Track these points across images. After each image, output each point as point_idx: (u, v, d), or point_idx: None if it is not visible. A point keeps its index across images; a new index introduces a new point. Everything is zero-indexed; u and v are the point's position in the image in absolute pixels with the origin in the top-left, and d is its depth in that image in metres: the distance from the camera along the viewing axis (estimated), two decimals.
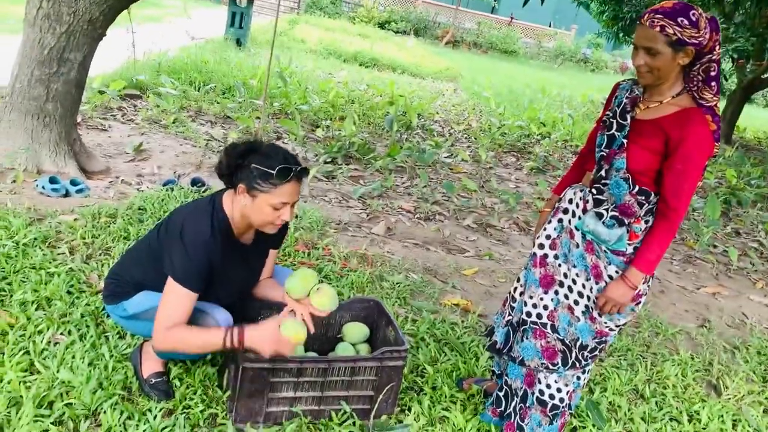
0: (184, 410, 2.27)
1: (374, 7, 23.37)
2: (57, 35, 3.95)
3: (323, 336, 2.67)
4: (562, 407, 2.31)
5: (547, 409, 2.30)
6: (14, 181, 3.95)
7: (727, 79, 13.11)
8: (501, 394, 2.43)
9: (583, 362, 2.25)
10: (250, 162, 2.10)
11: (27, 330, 2.50)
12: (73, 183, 4.04)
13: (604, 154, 2.12)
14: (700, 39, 1.92)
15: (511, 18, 25.97)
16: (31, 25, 3.96)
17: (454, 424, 2.48)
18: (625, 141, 2.08)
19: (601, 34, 13.71)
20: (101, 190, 4.21)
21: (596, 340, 2.23)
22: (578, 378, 2.33)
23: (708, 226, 5.67)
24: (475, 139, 8.24)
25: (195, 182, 4.44)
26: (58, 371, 2.29)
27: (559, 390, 2.29)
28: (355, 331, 2.65)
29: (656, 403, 2.95)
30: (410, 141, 7.39)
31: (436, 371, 2.81)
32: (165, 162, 5.08)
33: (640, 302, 2.19)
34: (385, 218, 4.79)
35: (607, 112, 2.19)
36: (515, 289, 2.41)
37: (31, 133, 4.15)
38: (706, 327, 3.91)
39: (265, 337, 2.11)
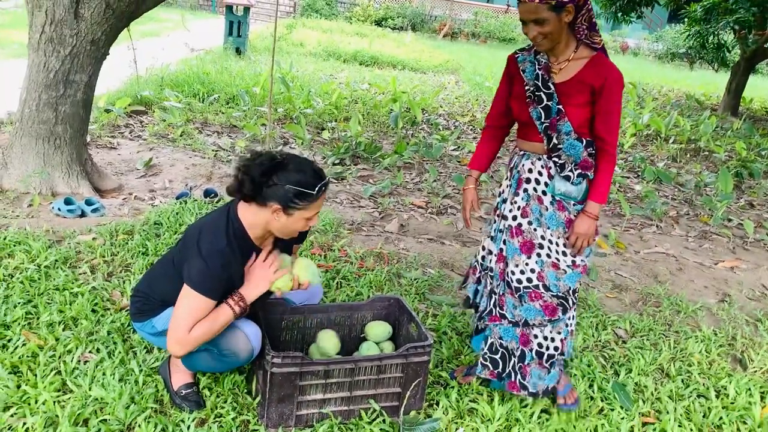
0: (216, 419, 2.30)
1: (370, 5, 23.36)
2: (61, 58, 4.00)
3: (347, 336, 2.70)
4: (557, 355, 2.49)
5: (544, 360, 2.48)
6: (31, 205, 4.00)
7: (729, 51, 12.99)
8: (497, 356, 2.51)
9: (574, 304, 2.49)
10: (281, 182, 2.10)
11: (56, 350, 2.54)
12: (88, 203, 4.09)
13: (548, 124, 2.35)
14: (571, 6, 2.19)
15: (508, 6, 25.89)
16: (35, 50, 4.01)
17: (482, 415, 2.50)
18: (560, 107, 2.32)
19: (599, 15, 13.63)
20: (116, 207, 4.26)
21: (579, 280, 2.48)
22: (567, 325, 2.51)
23: (721, 201, 5.65)
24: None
25: (207, 193, 4.48)
26: (90, 389, 2.33)
27: (553, 340, 2.48)
28: (378, 329, 2.67)
29: (682, 380, 2.96)
30: (416, 136, 7.40)
31: (460, 364, 2.83)
32: (176, 175, 5.13)
33: (598, 233, 2.48)
34: (397, 215, 4.80)
35: (528, 87, 2.37)
36: (483, 257, 2.61)
37: (43, 156, 4.20)
38: (726, 301, 3.90)
39: (253, 280, 2.22)
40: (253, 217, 2.19)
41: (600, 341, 3.22)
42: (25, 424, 2.14)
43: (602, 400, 2.70)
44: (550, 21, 2.19)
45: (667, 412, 2.67)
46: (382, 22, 23.00)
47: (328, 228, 4.19)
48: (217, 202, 4.32)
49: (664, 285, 4.01)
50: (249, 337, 2.22)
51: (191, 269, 2.11)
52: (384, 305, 2.75)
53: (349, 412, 2.36)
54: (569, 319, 2.51)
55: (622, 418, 2.58)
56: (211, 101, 7.65)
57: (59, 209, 3.93)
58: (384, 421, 2.37)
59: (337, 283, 3.47)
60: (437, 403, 2.54)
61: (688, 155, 8.08)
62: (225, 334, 2.19)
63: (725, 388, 2.91)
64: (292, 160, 2.16)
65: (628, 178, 6.78)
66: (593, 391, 2.75)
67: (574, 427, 2.46)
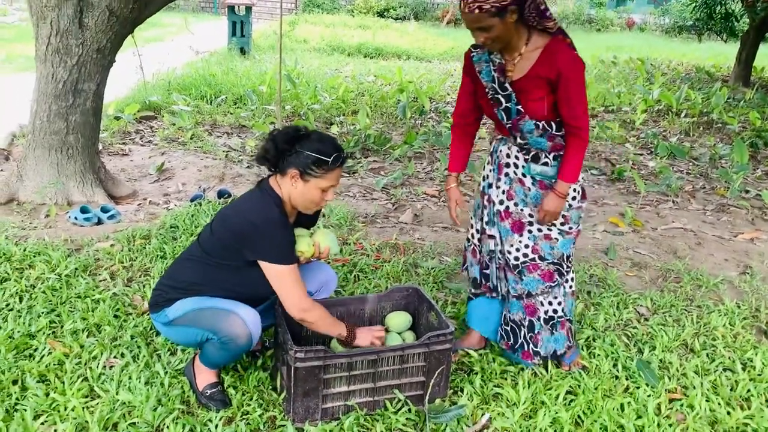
0: (243, 416, 2.32)
1: None
2: (69, 68, 4.02)
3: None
4: (557, 317, 2.63)
5: (548, 324, 2.63)
6: (48, 216, 4.04)
7: (738, 21, 12.80)
8: (507, 328, 2.69)
9: (571, 266, 2.61)
10: (302, 148, 2.23)
11: (82, 357, 2.57)
12: (104, 210, 4.12)
13: (511, 125, 2.42)
14: (513, 8, 2.17)
15: None
16: (42, 62, 4.04)
17: (507, 400, 2.50)
18: (519, 107, 2.36)
19: None
20: (131, 213, 4.29)
21: (573, 245, 2.60)
22: (563, 287, 2.62)
23: (737, 172, 5.58)
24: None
25: (221, 194, 4.50)
26: (117, 393, 2.36)
27: (558, 303, 2.62)
28: (399, 319, 2.68)
29: (707, 355, 2.94)
30: (425, 126, 7.38)
31: (483, 350, 2.82)
32: (189, 178, 5.15)
33: (582, 207, 2.57)
34: (410, 206, 4.80)
35: (487, 90, 2.41)
36: (473, 235, 2.73)
37: (57, 167, 4.24)
38: (748, 273, 3.86)
39: (367, 338, 2.42)
40: (279, 189, 2.30)
41: (622, 320, 3.20)
42: (56, 431, 2.17)
43: (627, 379, 2.68)
44: (495, 27, 2.19)
45: (694, 388, 2.65)
46: (385, 13, 22.88)
47: (343, 222, 4.19)
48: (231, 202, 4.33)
49: (684, 260, 3.98)
50: (245, 320, 2.24)
51: (264, 248, 2.23)
52: (403, 295, 2.75)
53: (374, 403, 2.37)
54: (566, 281, 2.63)
55: (649, 396, 2.57)
56: (219, 102, 7.67)
57: (76, 218, 3.96)
58: (409, 410, 2.38)
59: (354, 276, 3.47)
60: (461, 390, 2.55)
61: (701, 128, 7.99)
62: (220, 318, 2.24)
63: (751, 361, 2.88)
64: (314, 133, 2.31)
65: (641, 154, 6.72)
66: (618, 370, 2.73)
67: (601, 407, 2.46)
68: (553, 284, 2.59)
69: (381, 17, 22.31)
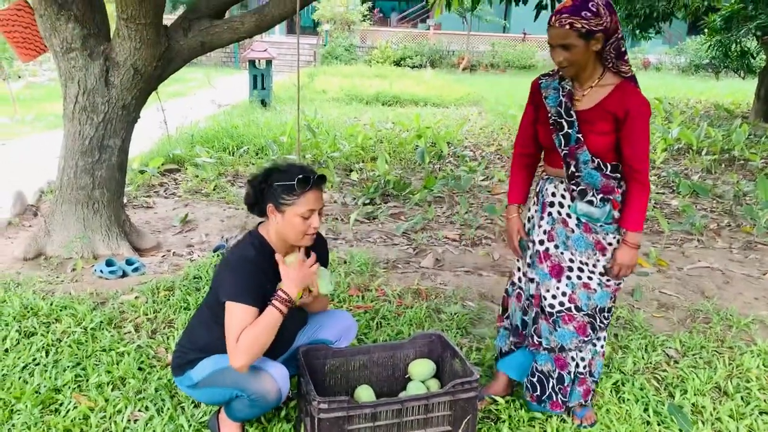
0: None
1: (387, 47, 23.74)
2: (95, 125, 4.14)
3: (391, 377, 2.67)
4: (577, 372, 2.56)
5: (574, 377, 2.58)
6: (74, 270, 4.11)
7: (754, 57, 12.82)
8: (534, 380, 2.61)
9: (605, 323, 2.52)
10: (271, 182, 2.25)
11: (107, 411, 2.57)
12: (129, 262, 4.18)
13: (567, 152, 2.36)
14: (604, 24, 2.18)
15: (524, 34, 26.04)
16: (70, 120, 4.17)
17: None
18: (579, 135, 2.33)
19: None
20: (155, 265, 4.34)
21: (612, 300, 2.50)
22: (593, 345, 2.55)
23: (762, 209, 5.51)
24: (508, 158, 8.22)
25: None
26: None
27: (582, 359, 2.56)
28: (422, 367, 2.64)
29: (742, 398, 2.85)
30: (444, 170, 7.42)
31: (509, 396, 2.77)
32: (212, 229, 5.22)
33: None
34: (432, 250, 4.79)
35: (551, 115, 2.39)
36: (519, 279, 2.64)
37: (83, 221, 4.32)
38: None
39: (295, 278, 2.26)
40: (266, 229, 2.31)
41: (651, 363, 3.13)
42: None
43: (659, 424, 2.61)
44: (578, 48, 2.20)
45: None
46: (401, 62, 23.32)
47: (364, 268, 4.20)
48: None
49: (712, 300, 3.90)
50: (275, 377, 2.23)
51: (223, 284, 2.21)
52: (426, 342, 2.72)
53: None
54: (598, 339, 2.55)
55: None
56: (241, 153, 7.81)
57: (101, 271, 4.02)
58: None
59: (377, 323, 3.45)
60: None
61: (723, 165, 7.93)
62: (247, 376, 2.21)
63: None
64: (284, 164, 2.31)
65: (663, 193, 6.67)
66: (649, 416, 2.66)
67: None
68: (586, 339, 2.50)
69: (398, 66, 22.73)
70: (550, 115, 2.39)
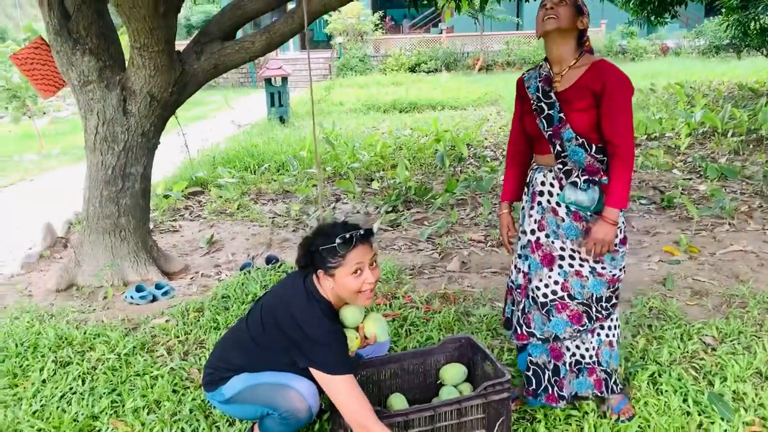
0: None
1: (401, 54, 23.80)
2: (116, 154, 4.22)
3: (423, 384, 2.66)
4: (585, 363, 2.53)
5: (575, 368, 2.54)
6: (105, 297, 4.17)
7: None
8: (529, 373, 2.57)
9: (605, 312, 2.46)
10: (315, 248, 2.24)
11: None
12: (158, 287, 4.23)
13: (551, 132, 2.39)
14: (587, 17, 2.34)
15: None
16: (92, 150, 4.25)
17: None
18: (561, 115, 2.35)
19: (632, 22, 13.46)
20: (184, 287, 4.39)
21: (610, 290, 2.45)
22: (598, 335, 2.51)
23: None
24: None
25: (269, 260, 4.57)
26: None
27: (587, 349, 2.52)
28: (453, 372, 2.63)
29: None
30: (465, 172, 7.39)
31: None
32: (238, 248, 5.26)
33: (619, 252, 2.43)
34: (457, 253, 4.77)
35: (533, 101, 2.44)
36: (515, 276, 2.62)
37: (111, 249, 4.39)
38: None
39: None
40: (321, 288, 2.28)
41: (687, 352, 3.07)
42: None
43: (700, 414, 2.55)
44: (569, 8, 2.28)
45: None
46: (416, 68, 23.34)
47: (390, 276, 4.19)
48: (279, 267, 4.39)
49: (748, 284, 3.81)
50: (302, 393, 2.23)
51: (320, 358, 2.17)
52: (456, 346, 2.70)
53: None
54: (602, 328, 2.52)
55: (725, 431, 2.43)
56: (263, 171, 7.88)
57: (132, 297, 4.08)
58: None
59: (405, 330, 3.44)
60: None
61: (751, 146, 7.76)
62: (277, 394, 2.23)
63: None
64: (326, 226, 2.29)
65: (690, 179, 6.55)
66: (689, 406, 2.60)
67: None
68: (581, 328, 2.45)
69: (413, 72, 22.76)
70: (532, 102, 2.45)
